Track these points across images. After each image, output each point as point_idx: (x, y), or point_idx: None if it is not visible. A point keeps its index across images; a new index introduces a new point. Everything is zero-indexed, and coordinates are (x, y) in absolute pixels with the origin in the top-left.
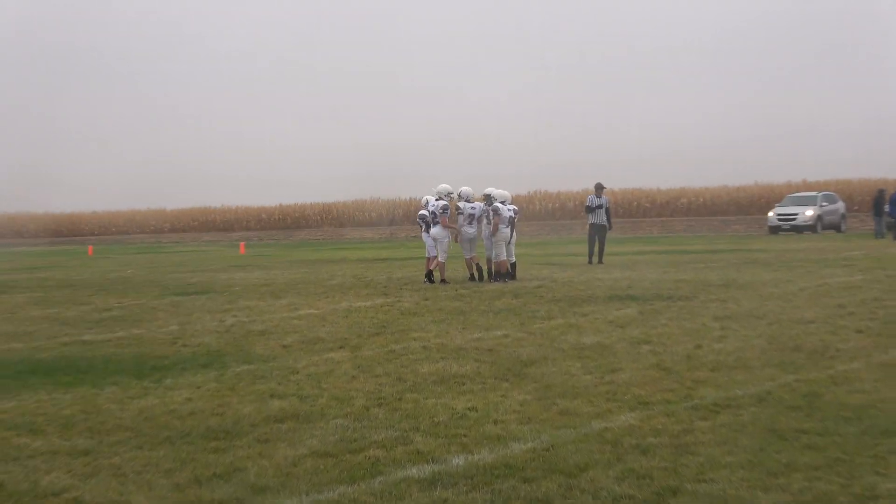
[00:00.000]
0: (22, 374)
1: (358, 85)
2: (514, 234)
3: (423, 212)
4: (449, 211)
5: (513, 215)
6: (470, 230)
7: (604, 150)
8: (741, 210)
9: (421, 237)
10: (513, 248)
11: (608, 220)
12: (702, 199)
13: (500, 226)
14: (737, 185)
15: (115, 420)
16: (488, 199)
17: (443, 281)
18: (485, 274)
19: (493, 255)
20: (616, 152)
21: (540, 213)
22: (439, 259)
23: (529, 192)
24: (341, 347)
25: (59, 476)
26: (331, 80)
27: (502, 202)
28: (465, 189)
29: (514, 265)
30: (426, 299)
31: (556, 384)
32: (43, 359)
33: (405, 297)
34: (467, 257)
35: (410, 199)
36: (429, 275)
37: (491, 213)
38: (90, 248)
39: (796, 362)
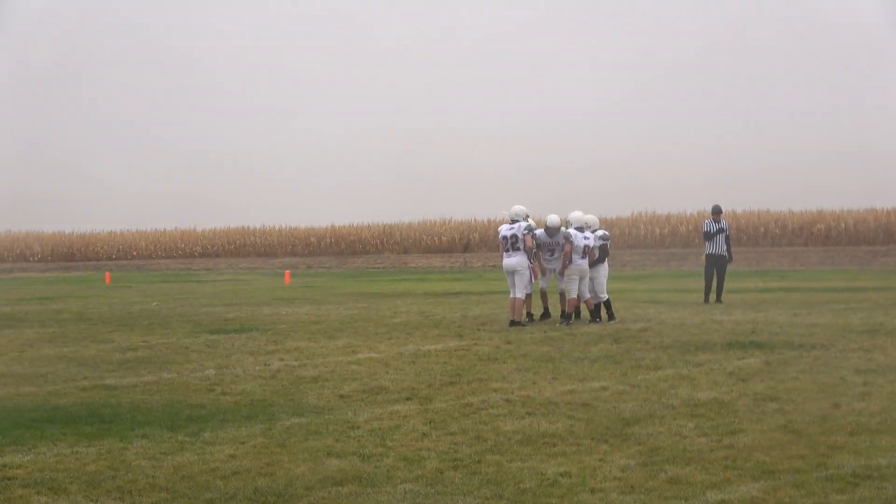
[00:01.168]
0: (38, 423)
1: (422, 80)
2: (606, 265)
3: (506, 231)
4: (535, 234)
5: (596, 242)
6: (579, 262)
7: (722, 162)
8: (892, 238)
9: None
10: (604, 281)
11: (728, 249)
12: (843, 225)
13: (575, 256)
14: (889, 206)
15: (148, 478)
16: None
17: (517, 322)
18: (582, 312)
19: (565, 291)
20: (738, 165)
21: (645, 239)
22: (518, 295)
23: (633, 214)
24: (408, 399)
25: None
26: (392, 74)
27: (579, 228)
28: (552, 217)
29: (607, 304)
30: (508, 343)
31: (665, 447)
32: (61, 405)
33: (483, 340)
34: (572, 296)
35: (488, 220)
36: (514, 321)
37: (563, 239)
38: (107, 274)
39: None
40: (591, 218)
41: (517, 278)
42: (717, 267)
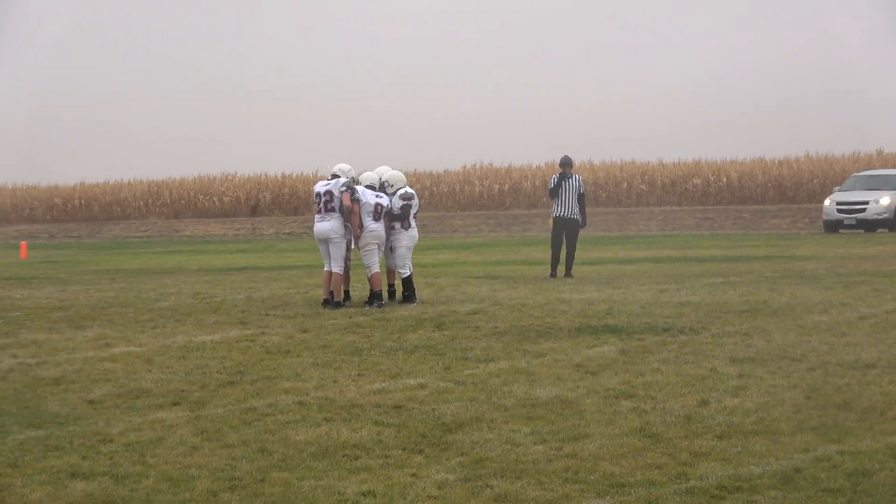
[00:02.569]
0: None
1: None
2: (411, 232)
3: (320, 187)
4: (355, 196)
5: (395, 203)
6: (373, 226)
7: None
8: (784, 196)
9: (313, 234)
10: (408, 253)
11: (581, 210)
12: (725, 180)
13: (367, 219)
14: (779, 157)
15: None
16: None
17: (337, 303)
18: (397, 292)
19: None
20: (599, 107)
21: (480, 198)
22: (335, 269)
23: (465, 167)
24: (176, 404)
25: None
26: None
27: (370, 186)
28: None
29: (406, 281)
30: (304, 331)
31: (493, 457)
32: None
33: (273, 328)
34: (374, 270)
35: (282, 175)
36: (328, 299)
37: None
38: None
39: (843, 426)
40: (395, 174)
41: (332, 248)
42: (566, 233)
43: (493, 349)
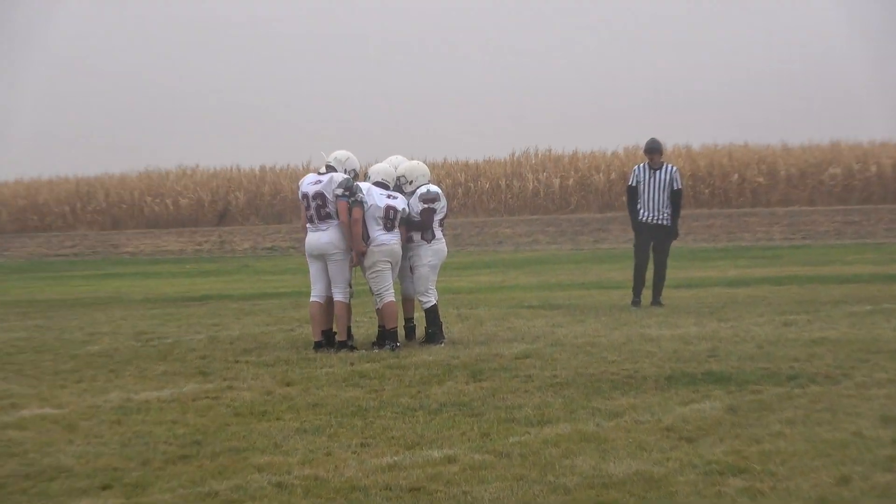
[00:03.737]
0: None
1: None
2: (438, 245)
3: (309, 187)
4: (357, 198)
5: (415, 206)
6: (383, 239)
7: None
8: None
9: (304, 248)
10: (432, 274)
11: (674, 214)
12: (875, 168)
13: (375, 229)
14: None
15: None
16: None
17: (341, 344)
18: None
19: (373, 294)
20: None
21: (535, 197)
22: (338, 297)
23: (513, 155)
24: (106, 487)
25: None
26: None
27: (380, 183)
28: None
29: (430, 312)
30: (288, 384)
31: None
32: None
33: (244, 381)
34: (387, 300)
35: (261, 168)
36: (323, 340)
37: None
38: None
39: None
40: (414, 166)
41: (331, 267)
42: (654, 244)
43: (549, 407)
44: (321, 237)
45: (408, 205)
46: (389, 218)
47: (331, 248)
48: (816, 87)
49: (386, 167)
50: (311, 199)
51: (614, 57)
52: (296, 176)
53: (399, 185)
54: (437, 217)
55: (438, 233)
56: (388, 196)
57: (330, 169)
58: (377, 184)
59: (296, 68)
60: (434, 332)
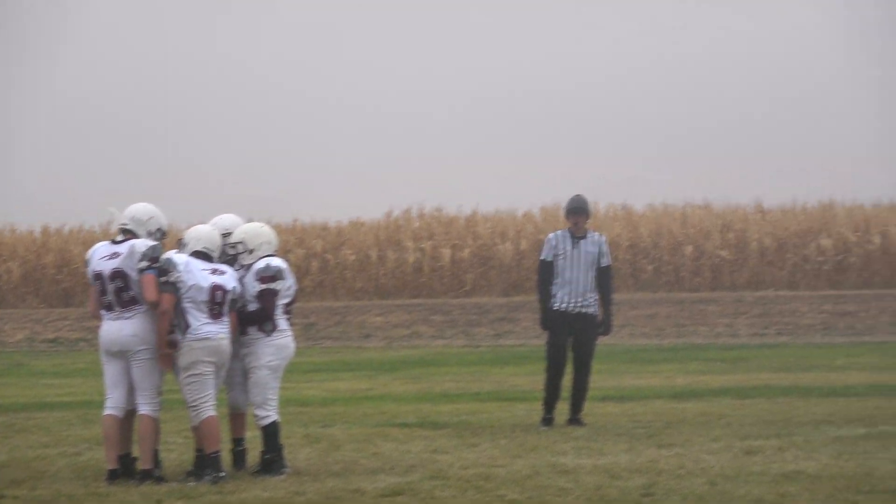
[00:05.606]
0: None
1: None
2: (280, 340)
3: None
4: (173, 277)
5: (251, 285)
6: (207, 331)
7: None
8: None
9: (99, 343)
10: (271, 379)
11: (604, 299)
12: (879, 240)
13: (198, 315)
14: None
15: None
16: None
17: (145, 474)
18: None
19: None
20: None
21: (417, 273)
22: (143, 410)
23: (389, 215)
24: None
25: None
26: None
27: (200, 253)
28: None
29: (270, 431)
30: None
31: None
32: None
33: None
34: (205, 414)
35: (43, 228)
36: (121, 468)
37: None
38: None
39: None
40: (251, 229)
41: (134, 369)
42: (575, 341)
43: None
44: (123, 328)
45: (241, 283)
46: (216, 301)
47: (136, 342)
48: (804, 133)
49: (209, 231)
50: (107, 281)
51: (531, 86)
52: (90, 241)
53: (231, 255)
54: (281, 301)
55: (283, 323)
56: (214, 271)
57: (128, 234)
58: (197, 254)
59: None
60: (273, 459)
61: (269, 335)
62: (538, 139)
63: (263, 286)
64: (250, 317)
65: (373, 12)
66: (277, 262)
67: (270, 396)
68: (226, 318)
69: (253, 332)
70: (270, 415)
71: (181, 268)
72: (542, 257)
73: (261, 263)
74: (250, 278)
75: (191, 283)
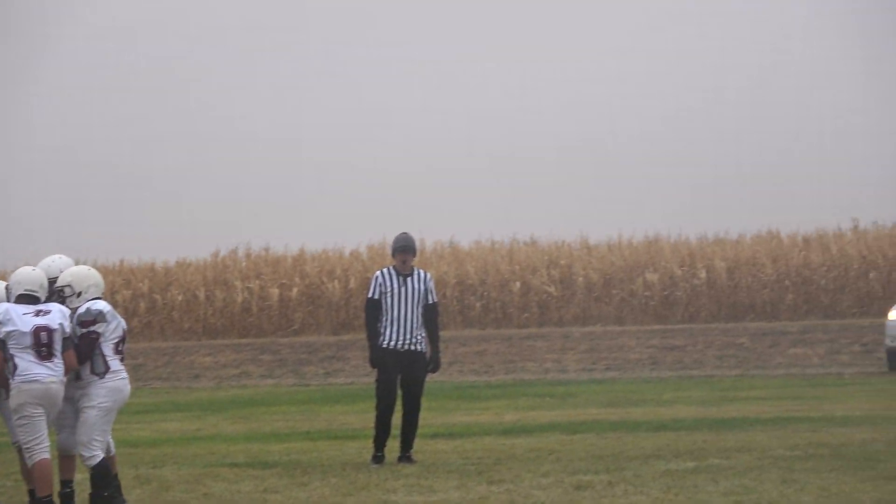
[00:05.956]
0: None
1: None
2: (112, 382)
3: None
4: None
5: (73, 328)
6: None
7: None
8: (814, 304)
9: None
10: (102, 421)
11: (431, 337)
12: (705, 274)
13: (23, 362)
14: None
15: None
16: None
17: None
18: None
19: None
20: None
21: (245, 313)
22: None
23: (216, 255)
24: None
25: None
26: None
27: (27, 296)
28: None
29: (101, 472)
30: None
31: None
32: None
33: None
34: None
35: None
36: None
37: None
38: None
39: None
40: (79, 272)
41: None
42: (404, 378)
43: None
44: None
45: (68, 323)
46: (42, 343)
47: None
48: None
49: (29, 273)
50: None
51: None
52: None
53: (59, 295)
54: (108, 342)
55: (115, 363)
56: (37, 313)
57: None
58: (22, 298)
59: None
60: (111, 495)
61: (102, 378)
62: (365, 178)
63: (84, 330)
64: (80, 359)
65: None
66: (99, 305)
67: (97, 437)
68: (57, 359)
69: (86, 374)
70: (97, 454)
71: (1, 317)
72: (369, 295)
73: (81, 308)
74: (74, 322)
75: (11, 328)
